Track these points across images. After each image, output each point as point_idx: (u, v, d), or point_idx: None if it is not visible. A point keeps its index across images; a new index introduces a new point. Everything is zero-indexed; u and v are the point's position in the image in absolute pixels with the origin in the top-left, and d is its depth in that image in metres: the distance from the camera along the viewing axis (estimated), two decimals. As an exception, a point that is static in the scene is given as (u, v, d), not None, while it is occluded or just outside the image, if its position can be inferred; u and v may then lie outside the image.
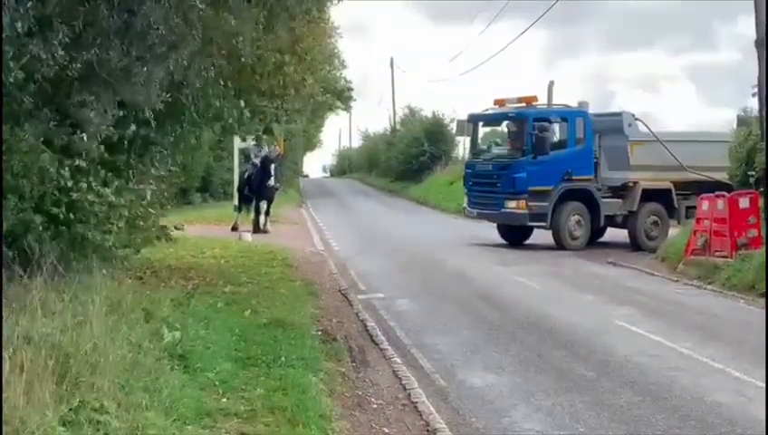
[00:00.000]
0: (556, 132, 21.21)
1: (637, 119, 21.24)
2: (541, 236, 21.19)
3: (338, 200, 41.17)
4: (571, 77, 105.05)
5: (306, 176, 71.27)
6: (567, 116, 21.13)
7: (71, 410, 5.15)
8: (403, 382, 7.93)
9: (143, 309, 8.04)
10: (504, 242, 21.27)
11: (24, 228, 7.87)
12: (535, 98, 21.96)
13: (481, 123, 23.62)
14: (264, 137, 17.69)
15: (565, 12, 78.04)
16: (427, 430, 6.59)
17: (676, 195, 20.84)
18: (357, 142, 77.12)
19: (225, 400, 6.47)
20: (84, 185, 8.95)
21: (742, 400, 7.50)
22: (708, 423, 6.88)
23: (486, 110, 22.65)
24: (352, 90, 53.05)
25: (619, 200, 20.79)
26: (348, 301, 12.56)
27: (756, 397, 7.46)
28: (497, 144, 23.08)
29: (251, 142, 21.77)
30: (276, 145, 22.58)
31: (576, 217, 20.41)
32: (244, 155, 24.53)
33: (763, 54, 15.11)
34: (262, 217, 22.29)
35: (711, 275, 15.06)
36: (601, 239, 21.45)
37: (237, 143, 24.68)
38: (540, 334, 10.39)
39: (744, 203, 16.10)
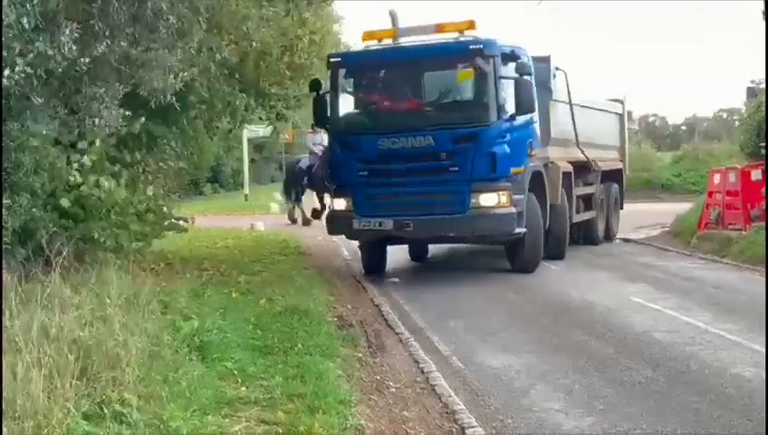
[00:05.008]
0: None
1: (557, 68, 14.55)
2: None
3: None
4: (570, 51, 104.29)
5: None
6: (524, 56, 12.83)
7: (93, 403, 5.19)
8: (421, 366, 7.92)
9: (160, 301, 8.09)
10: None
11: (36, 225, 7.90)
12: (472, 24, 12.53)
13: (343, 71, 13.01)
14: (276, 123, 17.65)
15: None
16: (446, 412, 6.58)
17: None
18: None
19: (243, 388, 6.50)
20: (93, 180, 8.99)
21: (760, 372, 7.46)
22: (728, 396, 6.85)
23: (369, 47, 13.20)
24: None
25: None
26: (362, 286, 12.57)
27: (775, 369, 7.44)
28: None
29: (269, 131, 21.67)
30: (285, 133, 22.52)
31: None
32: (253, 145, 24.51)
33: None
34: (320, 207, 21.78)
35: (725, 249, 15.02)
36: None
37: (246, 133, 24.70)
38: (556, 314, 10.37)
39: (756, 175, 16.05)
